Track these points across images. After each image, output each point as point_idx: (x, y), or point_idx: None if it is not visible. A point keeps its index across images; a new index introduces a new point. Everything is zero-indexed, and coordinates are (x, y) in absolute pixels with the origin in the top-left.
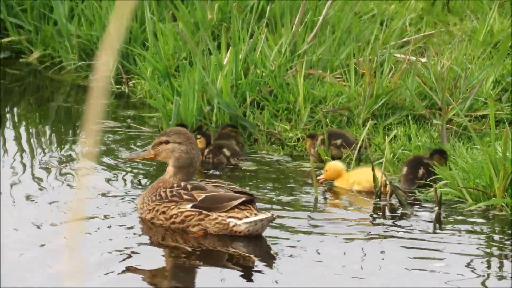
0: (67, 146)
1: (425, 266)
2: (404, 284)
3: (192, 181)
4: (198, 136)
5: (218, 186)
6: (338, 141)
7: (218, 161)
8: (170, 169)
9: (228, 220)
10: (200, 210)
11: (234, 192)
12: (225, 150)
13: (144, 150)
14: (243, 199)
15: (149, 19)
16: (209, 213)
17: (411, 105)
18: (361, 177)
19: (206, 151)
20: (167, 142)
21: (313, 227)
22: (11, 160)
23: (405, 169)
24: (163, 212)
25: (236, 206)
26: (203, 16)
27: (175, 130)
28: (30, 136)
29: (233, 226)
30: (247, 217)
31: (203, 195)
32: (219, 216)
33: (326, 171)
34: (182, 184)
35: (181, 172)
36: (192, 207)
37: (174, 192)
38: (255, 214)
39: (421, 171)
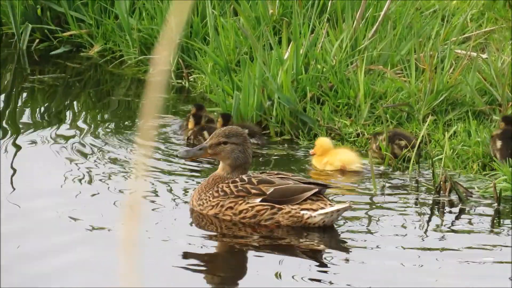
0: (126, 140)
1: (483, 262)
2: (462, 282)
3: (255, 175)
4: (190, 118)
5: (284, 178)
6: (403, 142)
7: (197, 143)
8: (226, 167)
9: (302, 212)
10: (272, 204)
11: (303, 183)
12: (205, 132)
13: (200, 149)
14: (316, 190)
15: (210, 14)
16: (282, 207)
17: (471, 101)
18: (334, 157)
19: (190, 132)
20: (225, 143)
21: (371, 222)
22: (71, 152)
23: (499, 144)
24: (230, 208)
25: (307, 197)
26: (264, 11)
27: (233, 131)
28: (90, 129)
29: (308, 218)
30: (322, 208)
31: (272, 188)
32: (292, 209)
33: (315, 145)
34: (246, 178)
35: (238, 170)
36: (261, 201)
37: (240, 187)
38: (329, 204)
39: None
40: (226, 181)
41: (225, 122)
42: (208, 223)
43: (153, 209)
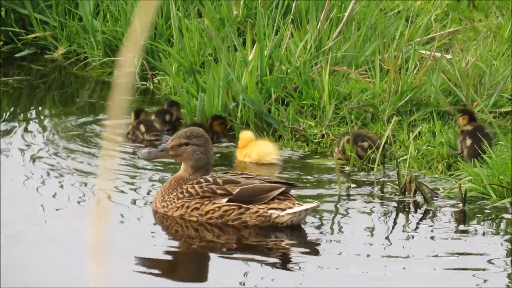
0: (90, 142)
1: (448, 263)
2: (426, 283)
3: (219, 175)
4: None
5: (250, 177)
6: (366, 143)
7: (134, 138)
8: (188, 169)
9: (270, 212)
10: (239, 204)
11: (269, 182)
12: (141, 126)
13: (162, 151)
14: (282, 189)
15: (174, 15)
16: (249, 206)
17: (435, 102)
18: (251, 150)
19: (129, 127)
20: (187, 144)
21: (336, 223)
22: (36, 155)
23: (469, 141)
24: (196, 209)
25: (274, 197)
26: (228, 12)
27: (195, 133)
28: (55, 132)
29: (276, 217)
30: (290, 207)
31: (238, 188)
32: (259, 208)
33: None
34: (211, 179)
35: (199, 171)
36: (228, 201)
37: (205, 188)
38: (298, 204)
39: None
40: (190, 182)
41: (211, 121)
42: (172, 225)
43: (116, 211)
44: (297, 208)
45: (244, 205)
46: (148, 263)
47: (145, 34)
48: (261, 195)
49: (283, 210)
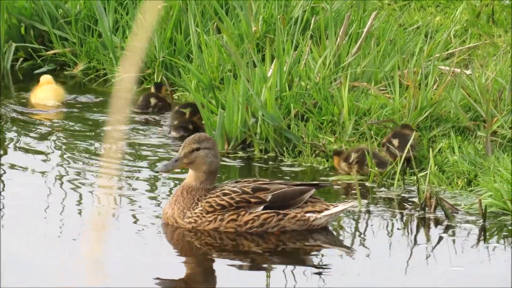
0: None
1: (469, 279)
2: None
3: (242, 184)
4: None
5: (269, 183)
6: (374, 161)
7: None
8: (199, 175)
9: (308, 215)
10: (277, 211)
11: (295, 185)
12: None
13: (176, 161)
14: (313, 191)
15: (193, 31)
16: (287, 212)
17: (455, 117)
18: (37, 92)
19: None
20: (198, 149)
21: (357, 238)
22: (50, 169)
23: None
24: (233, 220)
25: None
26: (247, 28)
27: (203, 137)
28: (72, 148)
29: (313, 220)
30: (326, 209)
31: (269, 195)
32: (296, 213)
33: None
34: (239, 189)
35: (211, 177)
36: (263, 209)
37: (237, 198)
38: (332, 205)
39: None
40: (215, 195)
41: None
42: (204, 237)
43: (129, 228)
44: (334, 209)
45: (281, 211)
46: (182, 275)
47: (144, 47)
48: (294, 199)
49: (319, 212)
